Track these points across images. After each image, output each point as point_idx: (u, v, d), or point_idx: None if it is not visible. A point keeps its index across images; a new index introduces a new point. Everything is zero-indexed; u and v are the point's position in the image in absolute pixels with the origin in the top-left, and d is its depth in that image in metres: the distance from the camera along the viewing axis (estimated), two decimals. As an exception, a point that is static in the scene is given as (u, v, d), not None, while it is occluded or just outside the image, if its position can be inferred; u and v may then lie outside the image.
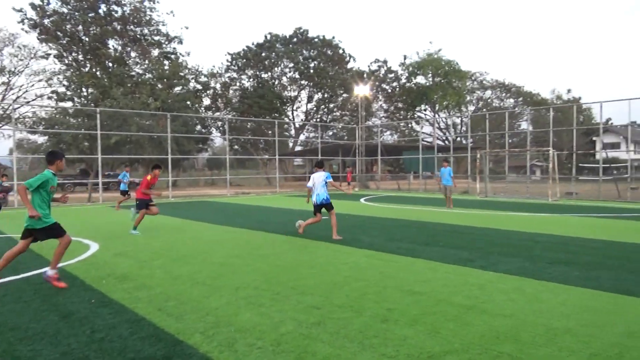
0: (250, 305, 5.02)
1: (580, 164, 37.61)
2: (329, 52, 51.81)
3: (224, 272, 6.64)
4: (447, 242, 9.11)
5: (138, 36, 37.74)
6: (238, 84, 50.42)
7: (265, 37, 50.65)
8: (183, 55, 40.87)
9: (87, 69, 36.34)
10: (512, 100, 64.48)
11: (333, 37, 52.51)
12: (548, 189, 21.69)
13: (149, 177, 10.85)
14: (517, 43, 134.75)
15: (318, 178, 10.12)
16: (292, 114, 54.53)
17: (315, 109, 55.00)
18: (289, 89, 52.81)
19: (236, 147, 49.74)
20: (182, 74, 39.19)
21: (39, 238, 5.90)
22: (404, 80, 57.52)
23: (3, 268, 5.92)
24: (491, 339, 4.01)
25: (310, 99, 54.30)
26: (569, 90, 69.40)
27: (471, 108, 63.19)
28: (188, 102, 38.58)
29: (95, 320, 4.62)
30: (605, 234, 10.18)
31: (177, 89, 39.11)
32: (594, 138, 53.57)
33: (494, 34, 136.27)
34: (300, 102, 54.80)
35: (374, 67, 57.55)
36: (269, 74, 51.45)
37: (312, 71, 50.68)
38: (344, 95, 52.74)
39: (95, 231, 11.34)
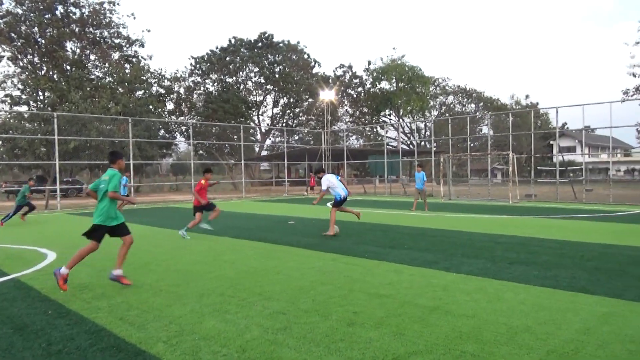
0: (215, 313, 4.95)
1: (539, 167, 38.96)
2: (294, 57, 51.83)
3: (188, 279, 6.53)
4: (412, 245, 9.24)
5: (97, 39, 36.77)
6: (202, 88, 49.79)
7: (230, 41, 50.29)
8: (145, 59, 40.18)
9: (43, 72, 35.11)
10: (473, 106, 66.27)
11: (298, 42, 52.68)
12: (508, 192, 22.35)
13: (203, 182, 11.14)
14: (478, 50, 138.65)
15: (332, 178, 10.91)
16: (258, 118, 54.29)
17: (281, 113, 54.89)
18: (254, 93, 52.53)
19: (201, 152, 49.02)
20: (144, 77, 38.40)
21: (91, 234, 6.05)
22: (368, 86, 58.17)
23: (72, 267, 6.04)
24: (454, 339, 4.09)
25: (275, 103, 54.19)
26: (527, 96, 72.02)
27: (434, 113, 64.52)
28: (151, 107, 37.80)
29: (52, 332, 4.45)
30: (562, 234, 10.56)
31: (139, 93, 38.29)
32: (551, 142, 55.59)
33: (456, 40, 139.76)
34: (265, 106, 54.63)
35: (339, 72, 58.01)
36: (234, 78, 51.05)
37: (277, 76, 50.60)
38: (310, 100, 52.90)
39: (53, 240, 10.94)
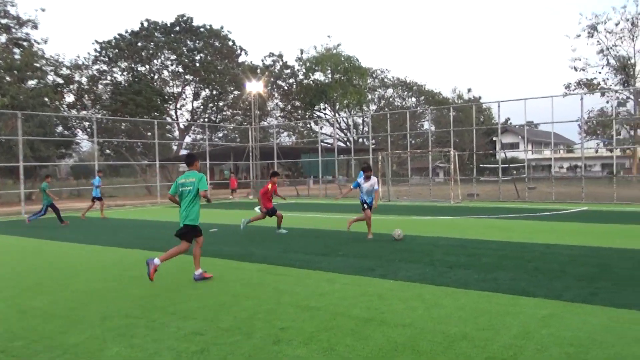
0: (119, 338, 4.75)
1: (481, 165, 40.97)
2: (217, 43, 51.12)
3: (87, 301, 6.22)
4: (347, 251, 9.38)
5: (-22, 18, 34.30)
6: (109, 77, 47.86)
7: (142, 24, 48.69)
8: (39, 43, 37.94)
9: None
10: (413, 99, 68.45)
11: (221, 27, 51.92)
12: (450, 191, 23.28)
13: (269, 187, 12.58)
14: (418, 40, 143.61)
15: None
16: (176, 113, 52.98)
17: (202, 107, 53.93)
18: (171, 84, 51.24)
19: (108, 151, 47.05)
20: (37, 64, 36.31)
21: (184, 235, 7.16)
22: (301, 77, 58.49)
23: (164, 261, 7.07)
24: (389, 352, 4.18)
25: (196, 96, 53.15)
26: (469, 90, 75.37)
27: (373, 107, 66.02)
28: (46, 99, 35.80)
29: None
30: (503, 235, 11.14)
31: (32, 82, 36.14)
32: (494, 138, 58.66)
33: (396, 29, 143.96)
34: (184, 99, 53.47)
35: (268, 61, 57.89)
36: (147, 66, 49.50)
37: (198, 65, 49.65)
38: (235, 92, 52.40)
39: None
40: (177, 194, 7.19)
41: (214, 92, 52.73)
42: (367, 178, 11.30)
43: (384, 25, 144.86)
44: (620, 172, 50.51)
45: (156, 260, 6.83)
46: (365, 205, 11.32)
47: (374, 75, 64.74)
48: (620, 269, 7.23)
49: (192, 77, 50.83)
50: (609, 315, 5.06)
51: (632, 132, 47.69)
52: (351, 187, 11.83)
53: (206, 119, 52.94)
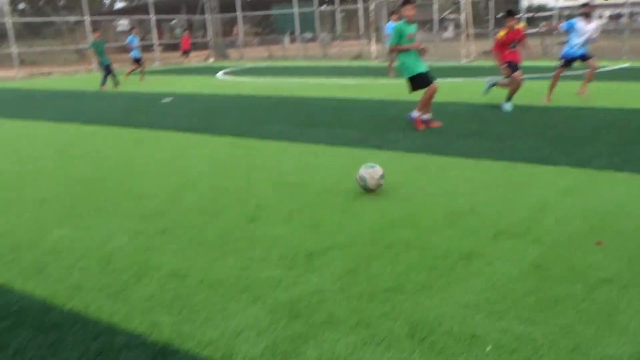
0: (64, 220, 4.94)
1: (499, 15, 40.11)
2: None
3: (19, 183, 6.36)
4: (333, 121, 9.52)
5: None
6: None
7: None
8: None
9: None
10: None
11: None
12: (460, 48, 23.10)
13: (501, 34, 9.80)
14: None
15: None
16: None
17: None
18: None
19: (22, 6, 45.07)
20: None
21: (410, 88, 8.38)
22: None
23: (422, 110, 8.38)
24: (385, 227, 4.42)
25: None
26: None
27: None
28: None
29: None
30: (519, 98, 11.20)
31: None
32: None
33: None
34: None
35: None
36: None
37: None
38: None
39: None
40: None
41: None
42: (587, 17, 9.90)
43: None
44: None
45: (414, 114, 8.25)
46: (565, 60, 10.18)
47: None
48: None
49: None
50: (641, 183, 5.33)
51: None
52: (559, 27, 10.53)
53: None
